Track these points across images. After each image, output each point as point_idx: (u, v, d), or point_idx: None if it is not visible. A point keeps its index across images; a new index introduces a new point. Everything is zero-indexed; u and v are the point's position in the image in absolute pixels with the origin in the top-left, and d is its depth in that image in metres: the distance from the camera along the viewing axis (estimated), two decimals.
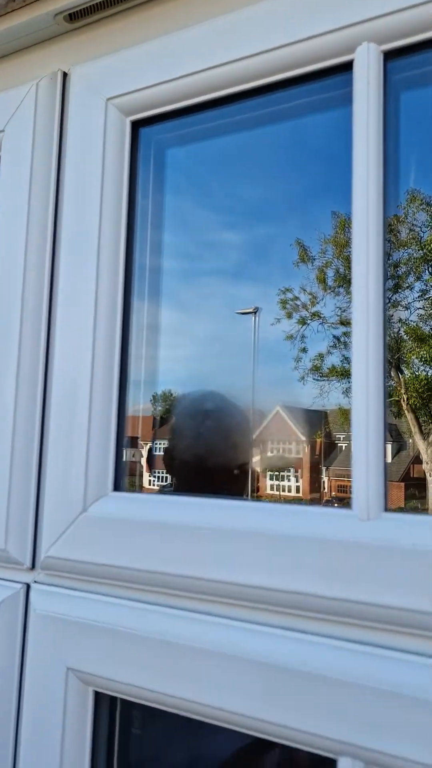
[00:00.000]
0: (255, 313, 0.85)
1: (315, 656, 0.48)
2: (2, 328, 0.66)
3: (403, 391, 1.01)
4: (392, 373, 0.99)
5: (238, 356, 0.84)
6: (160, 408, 0.82)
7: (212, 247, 0.82)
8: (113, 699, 0.59)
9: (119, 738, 0.61)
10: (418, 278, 0.95)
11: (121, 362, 0.62)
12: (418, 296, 0.95)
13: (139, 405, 0.69)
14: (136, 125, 0.65)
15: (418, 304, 0.96)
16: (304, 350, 0.88)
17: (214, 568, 0.53)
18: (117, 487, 0.61)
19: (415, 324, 0.96)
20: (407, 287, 0.95)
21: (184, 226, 0.78)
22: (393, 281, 0.93)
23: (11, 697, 0.61)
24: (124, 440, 0.61)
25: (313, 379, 0.91)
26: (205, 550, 0.53)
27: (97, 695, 0.58)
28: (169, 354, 0.74)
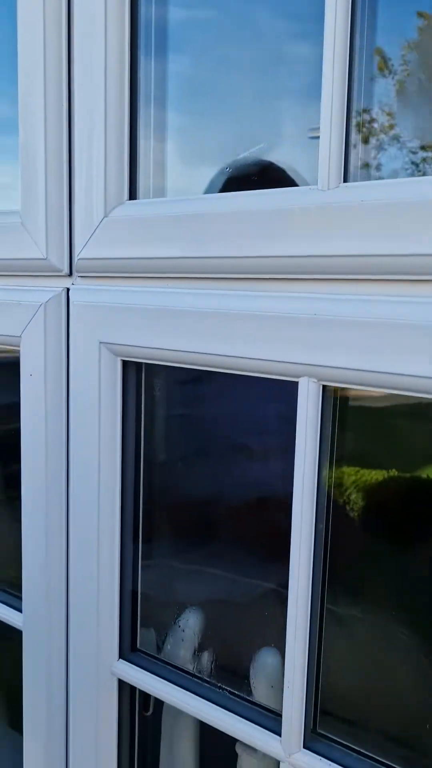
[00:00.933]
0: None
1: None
2: None
3: None
4: None
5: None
6: None
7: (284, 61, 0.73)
8: (138, 367, 0.74)
9: (145, 404, 0.76)
10: None
11: None
12: None
13: None
14: None
15: None
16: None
17: (229, 244, 0.63)
18: (132, 196, 0.71)
19: None
20: None
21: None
22: None
23: (61, 374, 0.77)
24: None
25: None
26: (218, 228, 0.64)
27: (125, 364, 0.73)
28: None
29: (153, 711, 0.84)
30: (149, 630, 0.80)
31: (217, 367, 0.64)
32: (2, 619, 0.90)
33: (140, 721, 0.82)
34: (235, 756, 0.75)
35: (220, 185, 0.70)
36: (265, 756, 0.68)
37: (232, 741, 0.71)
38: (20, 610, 0.87)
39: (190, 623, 0.77)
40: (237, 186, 0.68)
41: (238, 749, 0.74)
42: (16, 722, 0.98)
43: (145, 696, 0.81)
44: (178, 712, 0.80)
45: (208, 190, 0.71)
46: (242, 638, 0.75)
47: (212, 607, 0.78)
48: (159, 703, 0.83)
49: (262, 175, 0.69)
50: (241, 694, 0.70)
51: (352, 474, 0.62)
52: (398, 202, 0.51)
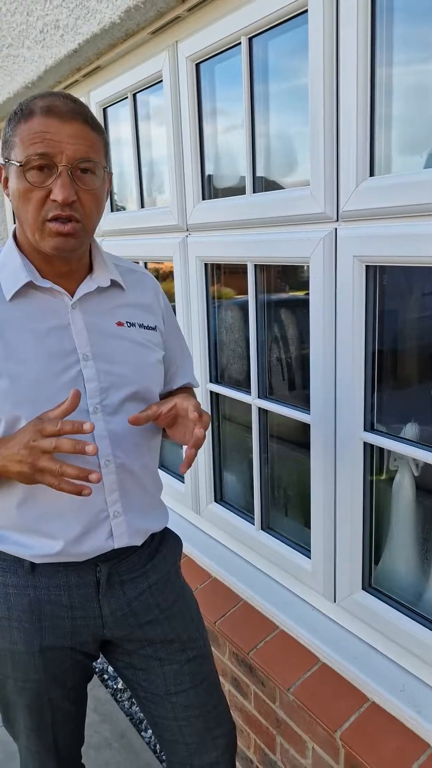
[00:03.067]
0: None
1: None
2: None
3: None
4: None
5: None
6: None
7: None
8: (375, 269, 1.34)
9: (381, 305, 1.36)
10: None
11: None
12: None
13: None
14: None
15: None
16: None
17: None
18: (371, 174, 1.29)
19: None
20: None
21: None
22: None
23: (332, 276, 1.40)
24: None
25: None
26: None
27: (367, 268, 1.33)
28: None
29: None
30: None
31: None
32: (300, 419, 1.61)
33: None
34: None
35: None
36: None
37: None
38: (309, 412, 1.56)
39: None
40: None
41: None
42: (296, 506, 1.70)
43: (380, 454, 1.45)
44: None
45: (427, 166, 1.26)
46: None
47: None
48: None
49: None
50: None
51: None
52: None
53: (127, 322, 1.18)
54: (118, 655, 1.28)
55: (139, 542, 1.21)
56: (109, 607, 1.19)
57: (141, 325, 1.20)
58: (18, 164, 1.01)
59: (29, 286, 1.09)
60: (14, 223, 1.18)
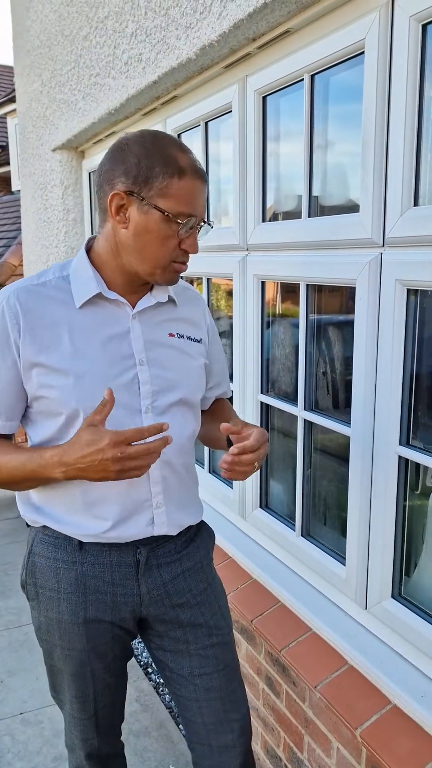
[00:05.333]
0: None
1: None
2: None
3: None
4: None
5: None
6: None
7: None
8: (416, 293, 1.42)
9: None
10: None
11: None
12: None
13: None
14: None
15: None
16: None
17: None
18: (416, 203, 1.38)
19: None
20: None
21: None
22: None
23: (376, 299, 1.49)
24: None
25: None
26: None
27: (408, 291, 1.41)
28: None
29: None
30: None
31: None
32: (342, 432, 1.69)
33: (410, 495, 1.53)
34: None
35: None
36: None
37: None
38: (349, 425, 1.65)
39: None
40: None
41: None
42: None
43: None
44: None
45: None
46: None
47: None
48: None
49: None
50: None
51: None
52: None
53: (177, 333, 1.31)
54: (152, 636, 1.39)
55: (175, 533, 1.33)
56: (146, 586, 1.30)
57: (189, 338, 1.34)
58: (173, 216, 1.13)
59: (98, 296, 1.22)
60: (93, 238, 1.29)
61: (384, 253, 1.46)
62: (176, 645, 1.37)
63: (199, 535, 1.42)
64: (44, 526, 1.30)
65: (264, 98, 1.88)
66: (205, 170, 1.22)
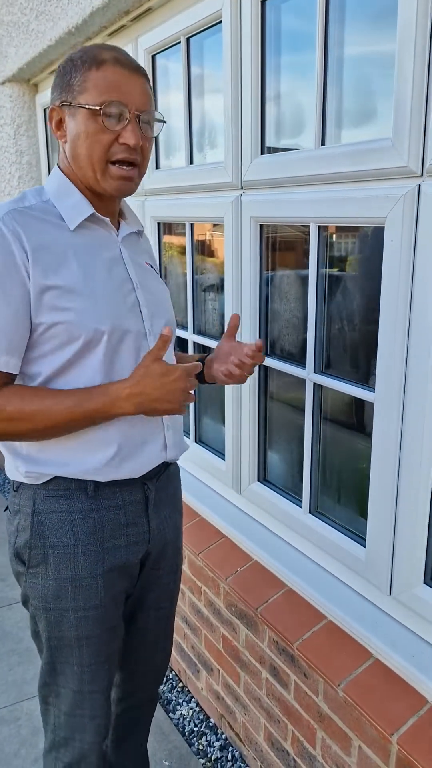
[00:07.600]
0: None
1: None
2: None
3: None
4: None
5: None
6: None
7: None
8: None
9: None
10: None
11: None
12: None
13: None
14: None
15: None
16: None
17: None
18: None
19: None
20: None
21: None
22: None
23: (411, 240, 1.26)
24: None
25: None
26: None
27: None
28: None
29: None
30: None
31: None
32: (364, 398, 1.48)
33: None
34: None
35: None
36: None
37: None
38: (373, 390, 1.43)
39: None
40: None
41: None
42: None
43: None
44: None
45: None
46: None
47: None
48: None
49: None
50: None
51: None
52: None
53: (148, 263, 1.34)
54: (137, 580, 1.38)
55: (179, 456, 1.35)
56: (154, 521, 1.32)
57: (153, 269, 1.36)
58: (95, 108, 1.08)
59: (88, 219, 1.18)
60: (58, 165, 1.24)
61: (423, 184, 1.22)
62: (150, 578, 1.39)
63: (173, 466, 1.44)
64: (48, 481, 1.20)
65: (263, 3, 1.58)
66: (139, 64, 1.14)
